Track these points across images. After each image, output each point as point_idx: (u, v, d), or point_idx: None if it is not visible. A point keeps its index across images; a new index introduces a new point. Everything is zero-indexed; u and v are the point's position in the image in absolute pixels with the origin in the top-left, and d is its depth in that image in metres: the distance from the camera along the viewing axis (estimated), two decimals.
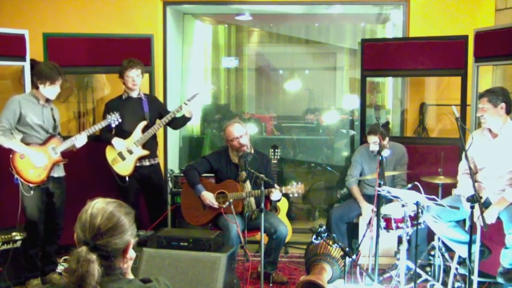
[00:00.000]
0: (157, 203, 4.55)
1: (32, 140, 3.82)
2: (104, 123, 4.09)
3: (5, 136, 3.71)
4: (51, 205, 3.99)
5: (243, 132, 4.11)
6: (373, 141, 4.33)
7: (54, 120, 3.97)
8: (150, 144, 4.36)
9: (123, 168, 4.28)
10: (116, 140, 4.27)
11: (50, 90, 3.84)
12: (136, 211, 4.60)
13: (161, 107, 4.59)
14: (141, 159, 4.32)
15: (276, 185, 3.97)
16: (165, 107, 4.75)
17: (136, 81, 4.32)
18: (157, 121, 4.36)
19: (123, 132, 4.31)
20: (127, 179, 4.29)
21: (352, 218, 4.59)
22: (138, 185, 4.39)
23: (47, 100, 3.93)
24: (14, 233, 3.97)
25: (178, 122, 4.51)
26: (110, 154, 4.30)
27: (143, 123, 4.31)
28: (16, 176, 3.75)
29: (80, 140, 3.97)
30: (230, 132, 4.11)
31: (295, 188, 3.94)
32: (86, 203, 1.70)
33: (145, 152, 4.30)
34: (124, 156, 4.28)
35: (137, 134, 4.28)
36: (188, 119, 4.48)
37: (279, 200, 4.17)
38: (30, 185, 3.78)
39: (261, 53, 9.11)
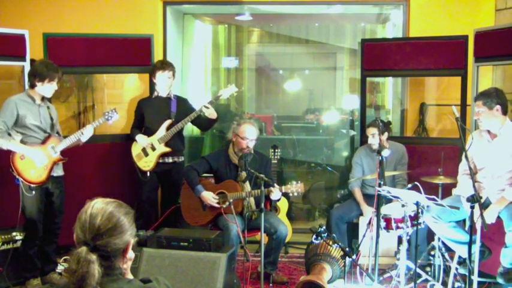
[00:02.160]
0: (171, 199, 4.65)
1: (30, 141, 3.82)
2: (101, 120, 4.10)
3: (3, 138, 3.71)
4: (50, 204, 3.99)
5: (254, 138, 4.12)
6: (372, 133, 4.35)
7: (52, 119, 3.96)
8: (175, 142, 4.51)
9: (145, 163, 4.45)
10: (139, 136, 4.47)
11: (48, 88, 3.84)
12: (149, 208, 4.65)
13: (190, 109, 4.64)
14: (164, 155, 4.47)
15: (275, 184, 3.97)
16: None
17: (167, 82, 4.52)
18: (181, 121, 4.44)
19: (150, 129, 4.51)
20: (148, 174, 4.45)
21: (352, 218, 4.59)
22: (158, 181, 4.56)
23: (43, 99, 3.92)
24: (14, 233, 3.97)
25: (204, 123, 4.65)
26: (135, 150, 4.50)
27: (168, 122, 4.46)
28: (17, 176, 3.75)
29: (86, 133, 3.97)
30: (244, 131, 4.10)
31: (295, 187, 3.94)
32: (85, 203, 1.70)
33: (167, 149, 4.45)
34: (147, 152, 4.46)
35: (161, 131, 4.45)
36: (213, 121, 4.57)
37: (278, 200, 4.16)
38: (31, 185, 3.78)
39: (261, 53, 9.10)
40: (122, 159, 4.68)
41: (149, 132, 4.49)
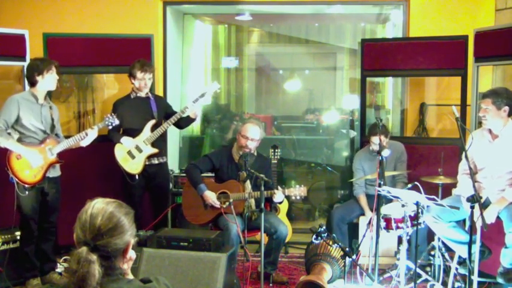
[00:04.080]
0: (161, 202, 4.60)
1: (28, 141, 3.82)
2: (101, 125, 4.07)
3: (2, 136, 3.71)
4: (45, 204, 3.98)
5: (255, 137, 4.11)
6: (377, 141, 4.30)
7: (52, 119, 3.96)
8: (159, 143, 4.40)
9: (133, 166, 4.31)
10: (125, 139, 4.31)
11: (49, 79, 3.84)
12: (139, 210, 4.59)
13: (168, 107, 4.63)
14: (149, 157, 4.37)
15: (279, 187, 3.96)
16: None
17: (148, 84, 4.40)
18: (166, 121, 4.36)
19: (132, 130, 4.36)
20: (137, 177, 4.33)
21: (353, 219, 4.59)
22: (145, 183, 4.45)
23: (45, 98, 3.92)
24: (13, 233, 3.97)
25: (184, 122, 4.55)
26: (119, 153, 4.33)
27: (152, 122, 4.35)
28: (11, 175, 3.75)
29: (91, 135, 3.96)
30: (246, 130, 4.12)
31: (298, 191, 3.93)
32: (85, 203, 1.70)
33: (155, 150, 4.34)
34: (134, 155, 4.31)
35: (146, 132, 4.32)
36: (193, 120, 4.51)
37: (281, 202, 4.16)
38: (25, 185, 3.78)
39: (261, 53, 9.10)
40: None
41: (131, 134, 4.35)
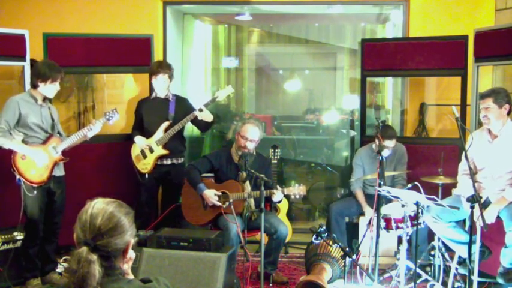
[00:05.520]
0: (172, 201, 4.60)
1: (32, 141, 3.82)
2: (102, 120, 4.09)
3: (5, 137, 3.71)
4: (51, 204, 3.99)
5: (255, 138, 4.12)
6: (391, 145, 4.29)
7: (53, 119, 3.97)
8: (174, 144, 4.46)
9: (144, 165, 4.44)
10: (138, 138, 4.46)
11: (51, 89, 3.84)
12: (145, 209, 4.62)
13: (189, 108, 4.60)
14: (162, 158, 4.44)
15: (277, 186, 3.97)
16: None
17: (164, 84, 4.48)
18: (179, 123, 4.39)
19: (148, 131, 4.49)
20: (146, 176, 4.43)
21: (352, 214, 4.60)
22: (157, 183, 4.54)
23: (44, 99, 3.92)
24: (14, 233, 3.97)
25: (201, 125, 4.58)
26: (134, 151, 4.49)
27: (166, 124, 4.42)
28: (18, 176, 3.75)
29: (95, 129, 3.98)
30: (246, 130, 4.11)
31: (297, 190, 3.93)
32: (85, 203, 1.70)
33: (165, 152, 4.42)
34: (146, 154, 4.44)
35: (159, 133, 4.41)
36: (211, 122, 4.53)
37: (280, 201, 4.16)
38: (33, 185, 3.78)
39: (261, 53, 9.10)
40: (122, 159, 4.68)
41: (148, 134, 4.47)
